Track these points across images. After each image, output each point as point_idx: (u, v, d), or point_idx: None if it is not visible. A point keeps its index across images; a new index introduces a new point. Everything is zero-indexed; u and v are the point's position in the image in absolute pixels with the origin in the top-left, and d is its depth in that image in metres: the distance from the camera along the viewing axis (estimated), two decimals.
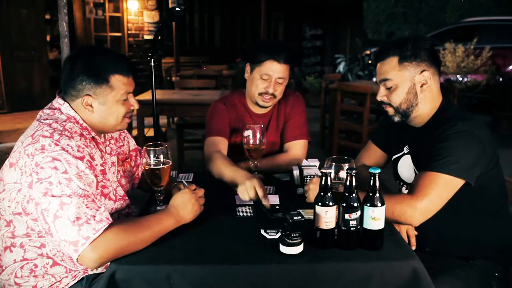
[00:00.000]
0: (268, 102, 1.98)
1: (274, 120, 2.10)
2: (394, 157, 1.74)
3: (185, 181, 1.55)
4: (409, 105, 1.55)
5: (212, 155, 1.86)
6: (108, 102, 1.40)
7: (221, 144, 1.96)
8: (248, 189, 1.54)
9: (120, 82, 1.40)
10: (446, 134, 1.44)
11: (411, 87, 1.54)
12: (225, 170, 1.74)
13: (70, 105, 1.40)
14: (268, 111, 2.09)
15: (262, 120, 2.01)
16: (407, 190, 1.70)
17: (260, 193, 1.52)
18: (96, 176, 1.34)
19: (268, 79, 1.93)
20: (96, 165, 1.39)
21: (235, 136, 2.07)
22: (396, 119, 1.60)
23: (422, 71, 1.52)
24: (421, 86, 1.53)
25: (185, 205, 1.37)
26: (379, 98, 1.61)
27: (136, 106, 1.47)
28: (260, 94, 1.96)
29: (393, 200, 1.37)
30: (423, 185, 1.39)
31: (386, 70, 1.56)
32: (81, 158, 1.28)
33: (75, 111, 1.40)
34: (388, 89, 1.57)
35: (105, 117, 1.42)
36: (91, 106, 1.39)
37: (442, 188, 1.38)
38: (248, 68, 2.02)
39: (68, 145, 1.27)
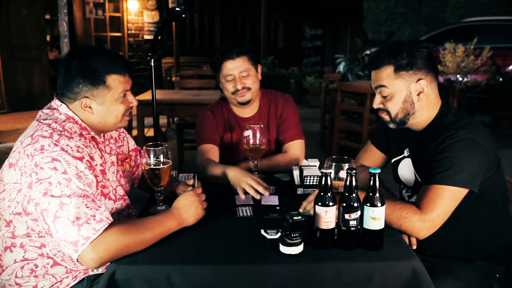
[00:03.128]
0: (245, 95, 2.00)
1: (264, 123, 2.10)
2: (394, 159, 1.73)
3: (196, 181, 1.53)
4: (405, 113, 1.53)
5: (202, 163, 1.91)
6: (107, 102, 1.40)
7: (212, 151, 1.99)
8: (249, 186, 1.59)
9: (116, 81, 1.40)
10: (447, 144, 1.43)
11: (407, 96, 1.51)
12: (216, 170, 1.79)
13: (67, 106, 1.40)
14: (254, 114, 2.10)
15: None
16: (407, 193, 1.70)
17: (260, 189, 1.58)
18: (95, 176, 1.34)
19: (232, 78, 1.98)
20: (96, 165, 1.39)
21: (225, 141, 2.09)
22: (392, 126, 1.58)
23: (419, 79, 1.49)
24: (418, 95, 1.51)
25: (189, 208, 1.37)
26: (375, 106, 1.58)
27: (134, 102, 1.48)
28: (233, 93, 1.99)
29: (404, 212, 1.37)
30: (429, 199, 1.38)
31: (381, 77, 1.52)
32: (81, 159, 1.28)
33: (73, 112, 1.40)
34: (384, 97, 1.55)
35: (105, 117, 1.42)
36: (90, 107, 1.39)
37: (449, 200, 1.38)
38: (218, 79, 2.07)
39: (67, 145, 1.27)
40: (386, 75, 1.51)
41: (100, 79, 1.37)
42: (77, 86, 1.36)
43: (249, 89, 1.99)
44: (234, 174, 1.68)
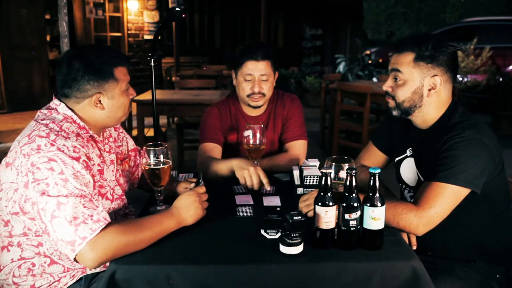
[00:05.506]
0: (259, 101, 2.00)
1: (271, 122, 2.11)
2: (397, 159, 1.72)
3: (201, 180, 1.54)
4: (412, 104, 1.53)
5: (204, 160, 1.90)
6: (116, 95, 1.42)
7: (214, 150, 1.98)
8: (249, 176, 1.61)
9: (122, 73, 1.42)
10: (453, 143, 1.42)
11: (418, 88, 1.50)
12: (219, 163, 1.80)
13: (66, 105, 1.39)
14: (263, 113, 2.10)
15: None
16: (409, 193, 1.69)
17: (265, 181, 1.58)
18: (93, 176, 1.34)
19: (251, 79, 1.97)
20: (93, 165, 1.39)
21: (230, 139, 2.09)
22: (395, 113, 1.58)
23: (434, 75, 1.49)
24: (429, 90, 1.50)
25: (189, 207, 1.37)
26: (384, 88, 1.58)
27: (135, 94, 1.51)
28: (248, 96, 1.98)
29: (399, 210, 1.37)
30: (429, 196, 1.38)
31: (400, 61, 1.52)
32: (77, 159, 1.28)
33: (73, 111, 1.40)
34: (396, 82, 1.54)
35: (114, 111, 1.44)
36: (100, 103, 1.40)
37: (449, 198, 1.37)
38: (233, 75, 2.06)
39: (64, 145, 1.27)
40: (405, 61, 1.51)
41: (108, 72, 1.38)
42: (87, 84, 1.36)
43: (263, 95, 1.99)
44: (239, 163, 1.69)
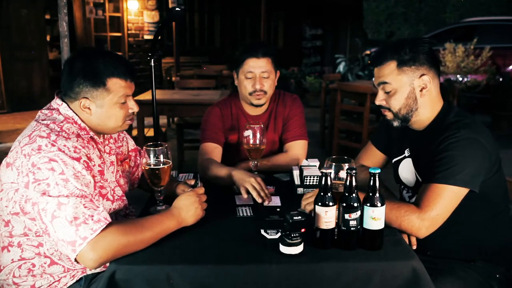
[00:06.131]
0: (261, 99, 2.00)
1: (272, 122, 2.11)
2: (395, 160, 1.72)
3: (198, 182, 1.54)
4: (408, 110, 1.53)
5: (204, 163, 1.90)
6: (106, 105, 1.40)
7: (215, 151, 1.99)
8: (253, 189, 1.58)
9: (117, 85, 1.39)
10: (449, 143, 1.42)
11: (410, 92, 1.51)
12: (221, 171, 1.79)
13: (68, 106, 1.40)
14: (264, 112, 2.10)
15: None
16: (408, 194, 1.70)
17: (263, 194, 1.55)
18: (93, 176, 1.34)
19: (252, 76, 1.97)
20: (94, 165, 1.39)
21: (232, 139, 2.09)
22: (396, 124, 1.58)
23: (422, 75, 1.50)
24: (421, 90, 1.51)
25: (189, 208, 1.37)
26: (377, 102, 1.58)
27: (135, 109, 1.47)
28: (251, 93, 1.99)
29: (402, 211, 1.37)
30: (429, 198, 1.38)
31: (384, 73, 1.53)
32: (78, 159, 1.28)
33: (74, 112, 1.40)
34: (387, 93, 1.55)
35: (104, 120, 1.42)
36: (88, 108, 1.39)
37: (449, 199, 1.38)
38: (234, 75, 2.06)
39: (64, 145, 1.27)
40: (389, 71, 1.51)
41: (100, 81, 1.37)
42: (77, 86, 1.37)
43: (265, 92, 1.99)
44: (240, 175, 1.67)
